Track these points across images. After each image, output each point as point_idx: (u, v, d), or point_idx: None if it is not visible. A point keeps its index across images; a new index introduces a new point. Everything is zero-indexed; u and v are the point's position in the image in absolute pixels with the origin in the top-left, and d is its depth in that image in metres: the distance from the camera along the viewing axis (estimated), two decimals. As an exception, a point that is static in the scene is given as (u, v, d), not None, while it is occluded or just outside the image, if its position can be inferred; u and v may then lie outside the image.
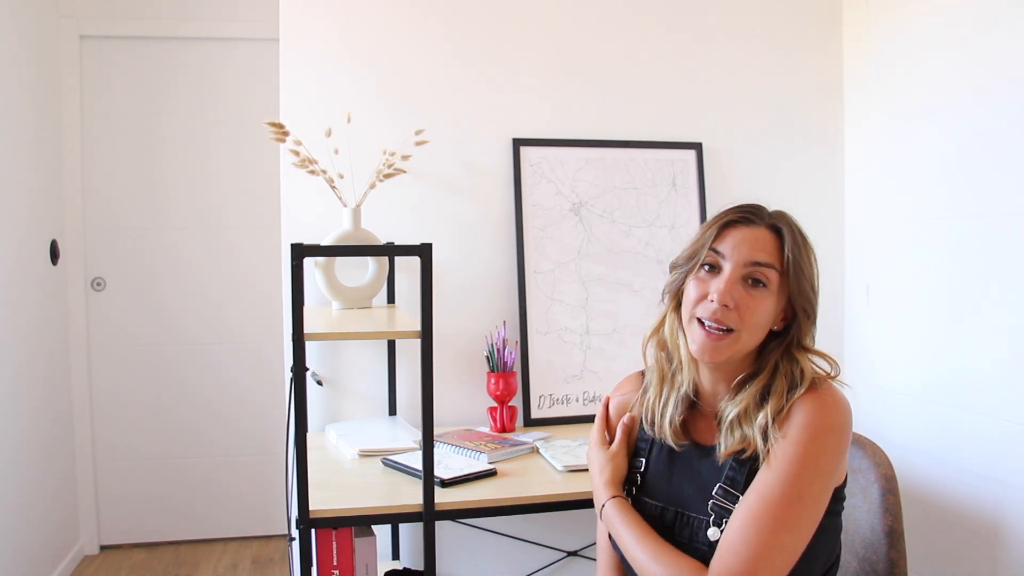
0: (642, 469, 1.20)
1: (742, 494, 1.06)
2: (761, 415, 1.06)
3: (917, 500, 1.98)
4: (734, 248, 1.10)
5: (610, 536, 1.21)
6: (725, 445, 1.09)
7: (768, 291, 1.09)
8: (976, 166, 1.87)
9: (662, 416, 1.17)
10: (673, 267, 1.18)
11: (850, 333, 2.31)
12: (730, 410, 1.09)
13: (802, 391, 1.06)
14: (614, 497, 1.16)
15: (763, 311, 1.09)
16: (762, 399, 1.08)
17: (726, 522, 1.05)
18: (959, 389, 1.91)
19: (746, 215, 1.12)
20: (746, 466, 1.07)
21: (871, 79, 2.23)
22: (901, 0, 2.11)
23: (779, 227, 1.11)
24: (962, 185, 1.92)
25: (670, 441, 1.15)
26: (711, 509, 1.08)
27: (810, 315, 1.11)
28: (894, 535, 1.32)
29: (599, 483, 1.20)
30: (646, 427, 1.21)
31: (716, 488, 1.09)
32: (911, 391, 2.07)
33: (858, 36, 2.28)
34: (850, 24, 2.32)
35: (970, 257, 1.88)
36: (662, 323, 1.20)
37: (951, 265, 1.94)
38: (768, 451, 1.04)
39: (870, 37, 2.23)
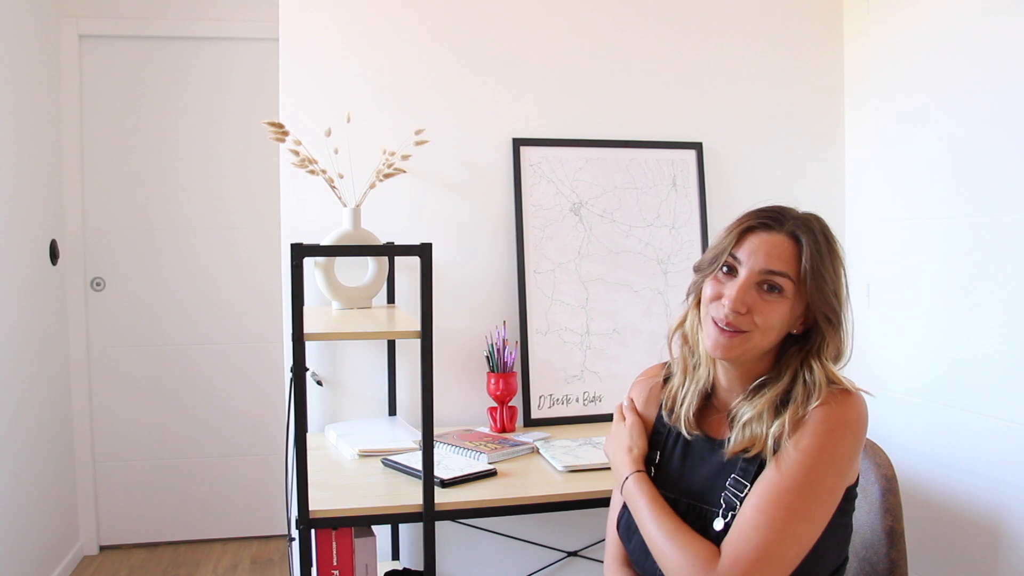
0: (656, 461, 1.22)
1: (751, 484, 1.06)
2: (777, 423, 1.06)
3: (917, 500, 1.97)
4: (750, 254, 1.10)
5: (619, 528, 1.22)
6: (733, 442, 1.10)
7: (783, 297, 1.09)
8: (976, 167, 1.87)
9: (681, 404, 1.19)
10: (697, 269, 1.19)
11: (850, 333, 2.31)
12: (745, 411, 1.10)
13: (817, 404, 1.05)
14: (637, 472, 1.17)
15: (777, 316, 1.09)
16: (780, 405, 1.08)
17: (733, 513, 1.06)
18: (959, 389, 1.91)
19: (767, 220, 1.12)
20: (756, 460, 1.08)
21: (871, 81, 2.23)
22: (901, 4, 2.11)
23: (799, 235, 1.10)
24: (962, 186, 1.92)
25: (683, 429, 1.18)
26: (722, 500, 1.09)
27: (833, 323, 1.10)
28: (894, 535, 1.32)
29: (623, 456, 1.21)
30: (664, 414, 1.23)
31: (728, 479, 1.09)
32: (911, 391, 2.07)
33: (858, 39, 2.28)
34: (850, 27, 2.32)
35: (970, 258, 1.89)
36: (684, 318, 1.23)
37: (951, 265, 1.94)
38: (776, 455, 1.05)
39: (870, 41, 2.23)
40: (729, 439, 1.11)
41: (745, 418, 1.09)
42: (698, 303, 1.18)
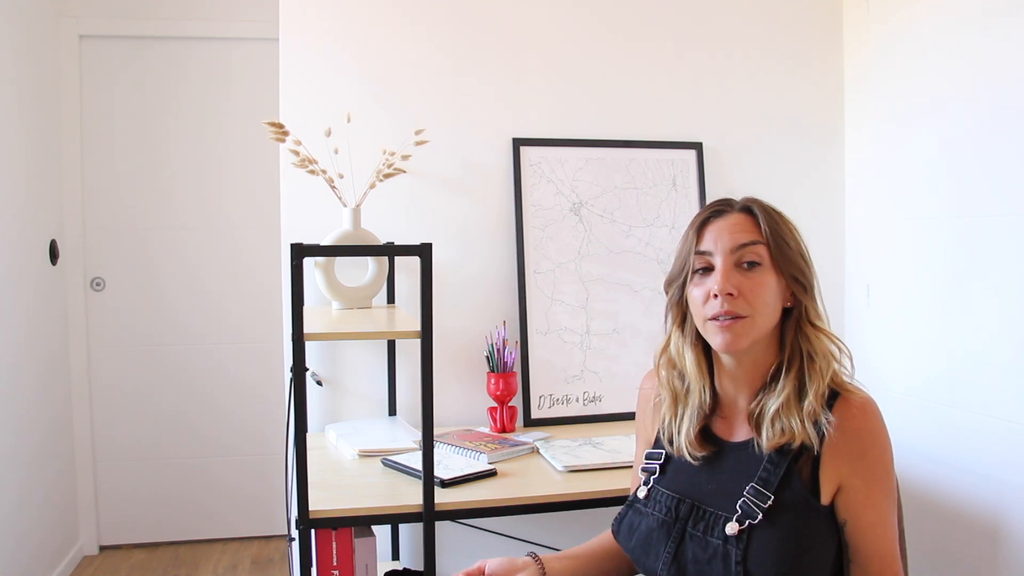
0: (662, 460, 1.20)
1: (774, 495, 1.06)
2: (807, 402, 1.07)
3: (917, 500, 1.98)
4: (716, 240, 1.13)
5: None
6: (767, 439, 1.08)
7: (764, 268, 1.11)
8: (975, 168, 1.87)
9: (679, 433, 1.18)
10: (669, 284, 1.19)
11: (850, 333, 2.31)
12: (772, 403, 1.09)
13: (830, 374, 1.09)
14: None
15: (767, 290, 1.10)
16: (801, 387, 1.09)
17: (750, 522, 1.05)
18: (959, 389, 1.91)
19: (717, 208, 1.17)
20: (783, 466, 1.07)
21: (872, 82, 2.23)
22: (901, 5, 2.11)
23: (750, 207, 1.15)
24: (961, 187, 1.92)
25: (687, 456, 1.16)
26: (739, 507, 1.07)
27: (804, 286, 1.13)
28: (894, 535, 1.32)
29: None
30: (664, 445, 1.21)
31: (748, 487, 1.08)
32: (911, 391, 2.07)
33: (858, 41, 2.28)
34: (850, 29, 2.31)
35: (970, 258, 1.88)
36: (668, 341, 1.21)
37: (951, 266, 1.94)
38: (822, 446, 1.06)
39: (870, 42, 2.23)
40: (758, 440, 1.10)
41: (772, 412, 1.09)
42: (680, 322, 1.18)
